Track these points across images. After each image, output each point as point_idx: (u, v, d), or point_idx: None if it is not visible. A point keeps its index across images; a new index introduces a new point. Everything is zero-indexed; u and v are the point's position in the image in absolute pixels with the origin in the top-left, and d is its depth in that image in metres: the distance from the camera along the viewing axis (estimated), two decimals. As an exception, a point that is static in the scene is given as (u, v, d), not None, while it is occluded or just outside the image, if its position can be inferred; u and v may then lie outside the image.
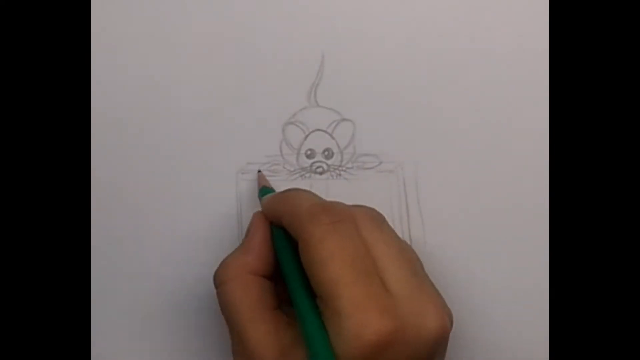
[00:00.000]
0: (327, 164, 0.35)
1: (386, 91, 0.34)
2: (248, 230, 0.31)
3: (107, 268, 0.35)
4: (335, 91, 0.34)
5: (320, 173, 0.35)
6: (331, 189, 0.35)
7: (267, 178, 0.35)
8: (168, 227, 0.35)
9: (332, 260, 0.27)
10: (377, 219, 0.30)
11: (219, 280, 0.30)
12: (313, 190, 0.35)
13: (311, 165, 0.35)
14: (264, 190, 0.33)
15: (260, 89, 0.35)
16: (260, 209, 0.32)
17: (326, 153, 0.35)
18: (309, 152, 0.35)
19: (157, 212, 0.35)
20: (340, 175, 0.35)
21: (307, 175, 0.35)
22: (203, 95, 0.35)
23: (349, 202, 0.33)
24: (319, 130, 0.35)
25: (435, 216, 0.35)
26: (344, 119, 0.35)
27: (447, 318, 0.28)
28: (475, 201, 0.34)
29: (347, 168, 0.35)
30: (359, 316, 0.26)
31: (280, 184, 0.35)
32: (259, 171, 0.34)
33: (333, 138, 0.35)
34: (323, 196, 0.35)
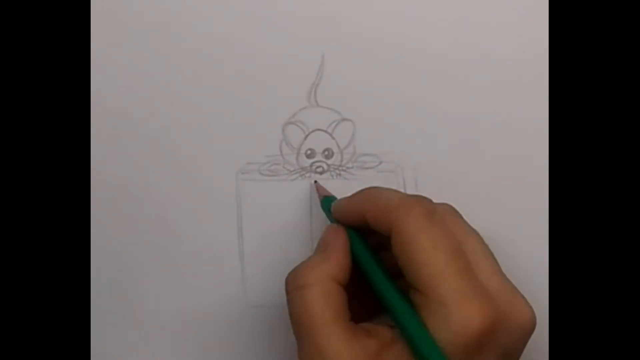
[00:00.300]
0: (327, 164, 0.35)
1: (386, 91, 0.34)
2: (325, 241, 0.31)
3: (107, 268, 0.35)
4: (335, 91, 0.34)
5: (320, 173, 0.35)
6: (331, 189, 0.35)
7: (267, 178, 0.35)
8: (168, 227, 0.35)
9: (435, 251, 0.27)
10: (458, 213, 0.31)
11: (298, 283, 0.29)
12: (313, 191, 0.35)
13: (311, 165, 0.35)
14: (327, 198, 0.33)
15: (260, 89, 0.34)
16: (328, 221, 0.32)
17: (326, 153, 0.35)
18: (309, 152, 0.35)
19: (157, 212, 0.35)
20: (340, 175, 0.35)
21: (307, 175, 0.35)
22: (203, 95, 0.35)
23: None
24: (319, 130, 0.35)
25: (435, 216, 0.34)
26: (344, 119, 0.35)
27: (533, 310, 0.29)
28: (475, 201, 0.34)
29: (347, 168, 0.35)
30: (465, 306, 0.26)
31: (280, 184, 0.35)
32: (315, 182, 0.34)
33: (333, 138, 0.35)
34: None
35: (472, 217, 0.31)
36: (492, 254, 0.30)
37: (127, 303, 0.35)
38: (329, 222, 0.33)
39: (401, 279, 0.28)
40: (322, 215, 0.34)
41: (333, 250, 0.30)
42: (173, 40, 0.34)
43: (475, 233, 0.30)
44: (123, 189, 0.35)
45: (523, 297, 0.29)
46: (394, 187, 0.34)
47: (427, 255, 0.27)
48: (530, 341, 0.30)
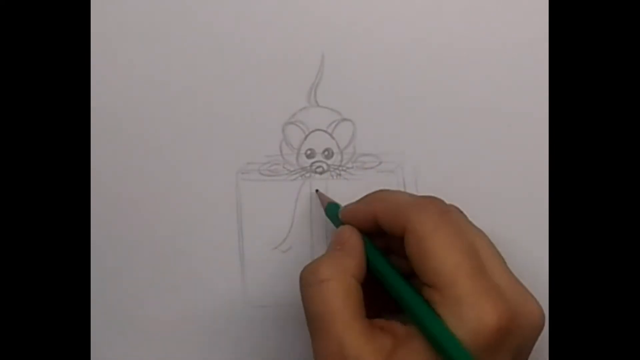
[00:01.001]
0: (327, 164, 0.35)
1: (386, 91, 0.34)
2: (340, 239, 0.31)
3: (107, 268, 0.35)
4: (335, 91, 0.34)
5: (320, 173, 0.35)
6: (331, 189, 0.35)
7: (267, 178, 0.35)
8: (168, 228, 0.35)
9: (451, 249, 0.28)
10: (464, 214, 0.31)
11: (318, 277, 0.29)
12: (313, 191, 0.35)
13: (311, 165, 0.35)
14: (331, 205, 0.33)
15: (260, 89, 0.34)
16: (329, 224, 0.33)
17: (326, 153, 0.35)
18: (309, 152, 0.35)
19: (157, 212, 0.35)
20: (340, 175, 0.35)
21: (307, 175, 0.35)
22: (203, 95, 0.35)
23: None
24: (319, 130, 0.35)
25: (435, 216, 0.34)
26: (344, 119, 0.35)
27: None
28: (475, 201, 0.34)
29: (347, 168, 0.35)
30: (481, 305, 0.27)
31: (280, 184, 0.35)
32: (317, 190, 0.34)
33: (333, 138, 0.35)
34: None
35: (472, 216, 0.31)
36: (500, 254, 0.30)
37: (127, 303, 0.35)
38: (330, 223, 0.33)
39: (411, 279, 0.29)
40: (323, 215, 0.34)
41: (351, 248, 0.30)
42: (173, 41, 0.34)
43: (482, 234, 0.30)
44: (123, 189, 0.35)
45: (533, 296, 0.29)
46: (394, 187, 0.35)
47: (443, 253, 0.27)
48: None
